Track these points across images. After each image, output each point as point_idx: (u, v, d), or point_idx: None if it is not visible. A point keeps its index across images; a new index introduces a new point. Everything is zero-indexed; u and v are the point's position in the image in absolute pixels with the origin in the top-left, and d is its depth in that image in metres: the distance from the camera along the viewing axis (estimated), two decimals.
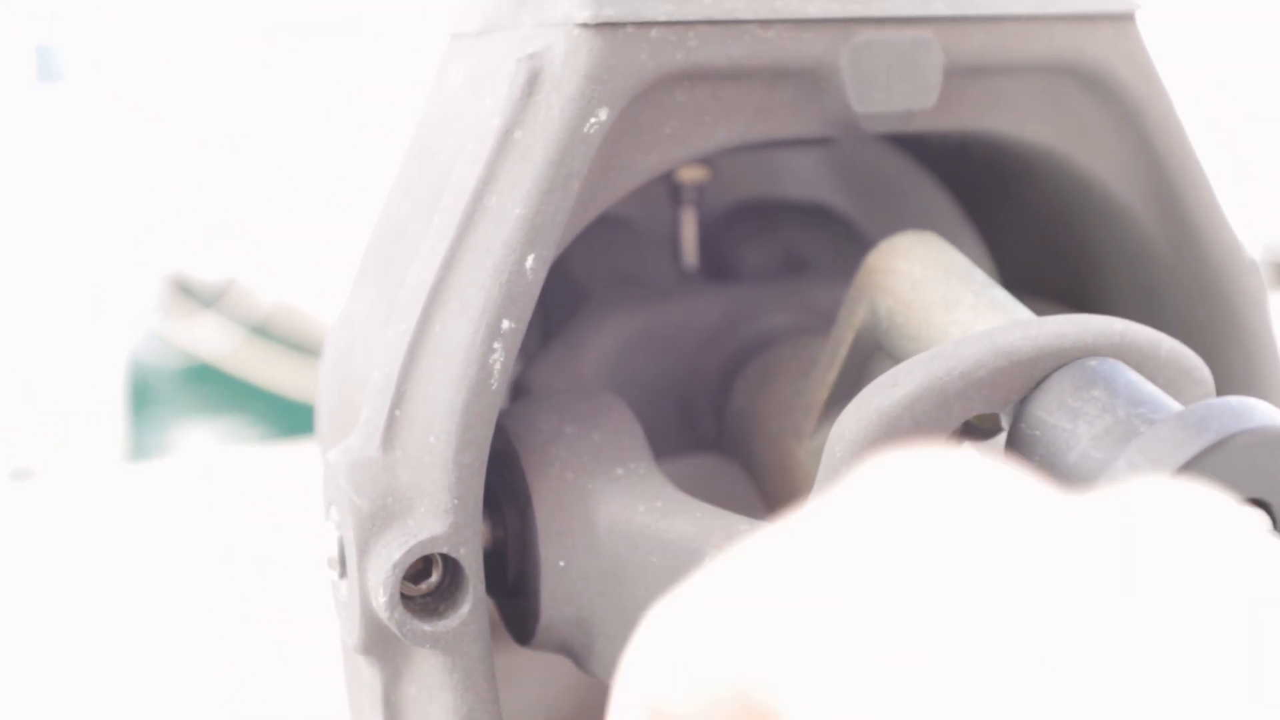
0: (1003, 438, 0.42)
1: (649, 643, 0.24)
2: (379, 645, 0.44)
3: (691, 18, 0.45)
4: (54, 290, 1.55)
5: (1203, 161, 0.53)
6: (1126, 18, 0.51)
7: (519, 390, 0.52)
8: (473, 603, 0.43)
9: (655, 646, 0.24)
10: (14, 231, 1.52)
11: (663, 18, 0.45)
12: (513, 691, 0.58)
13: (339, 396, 0.51)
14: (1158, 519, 0.22)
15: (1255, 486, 0.36)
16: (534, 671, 0.60)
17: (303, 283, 1.75)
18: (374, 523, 0.43)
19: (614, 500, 0.45)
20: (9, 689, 0.90)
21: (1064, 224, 0.56)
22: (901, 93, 0.48)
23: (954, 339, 0.42)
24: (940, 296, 0.45)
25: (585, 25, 0.44)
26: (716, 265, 0.62)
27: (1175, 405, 0.38)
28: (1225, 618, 0.20)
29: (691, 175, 0.59)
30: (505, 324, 0.43)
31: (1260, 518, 0.37)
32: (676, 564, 0.43)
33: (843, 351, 0.48)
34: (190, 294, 1.75)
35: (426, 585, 0.43)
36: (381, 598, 0.42)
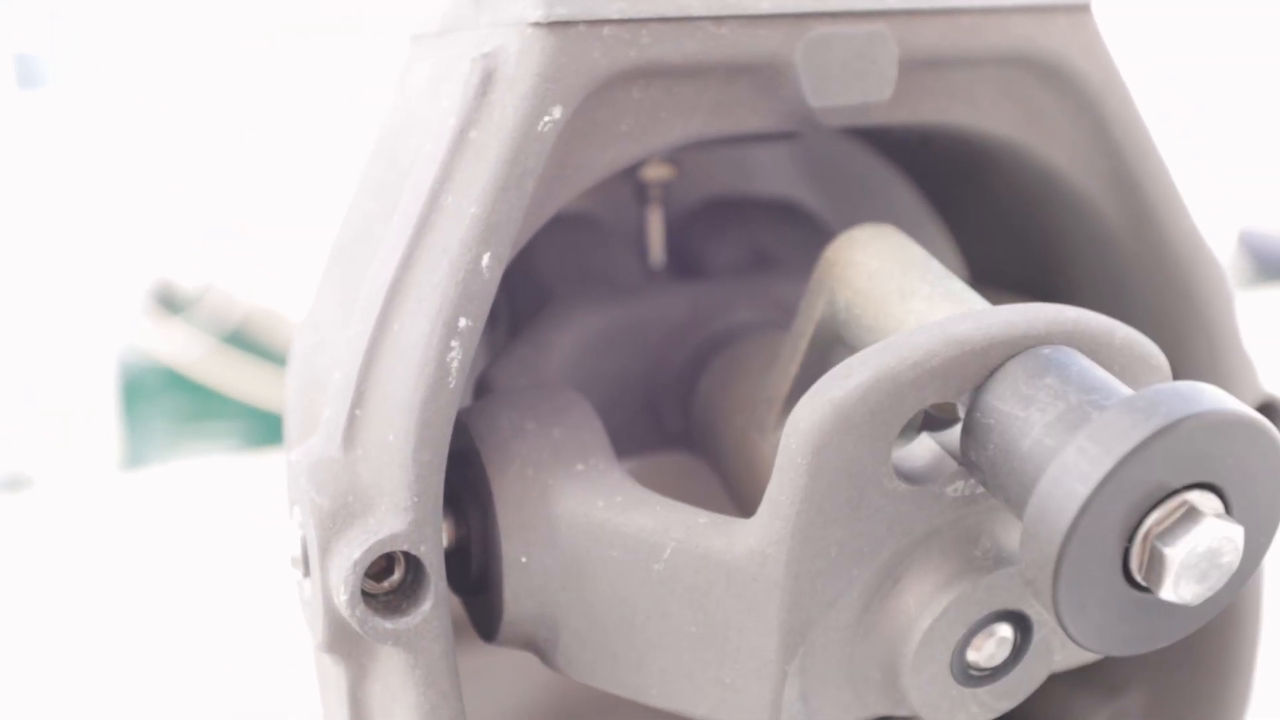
0: (959, 428, 0.42)
1: None
2: (343, 643, 0.44)
3: (644, 15, 0.45)
4: (41, 297, 1.56)
5: (1161, 151, 0.54)
6: (1082, 9, 0.52)
7: (482, 388, 0.52)
8: (434, 600, 0.43)
9: None
10: (1, 242, 1.52)
11: (615, 15, 0.45)
12: (478, 689, 0.58)
13: (303, 398, 0.51)
14: None
15: (1205, 470, 0.37)
16: (501, 670, 0.60)
17: (288, 287, 1.75)
18: (335, 521, 0.43)
19: (574, 496, 0.45)
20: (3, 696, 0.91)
21: (1027, 215, 0.57)
22: (857, 86, 0.48)
23: (908, 329, 0.42)
24: (896, 288, 0.46)
25: (538, 24, 0.44)
26: (684, 263, 0.62)
27: (1128, 391, 0.39)
28: None
29: (657, 173, 0.59)
30: (462, 322, 0.43)
31: (1212, 502, 0.37)
32: (636, 558, 0.44)
33: (803, 345, 0.48)
34: (170, 300, 1.75)
35: (388, 583, 0.43)
36: (343, 595, 0.42)
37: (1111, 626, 0.38)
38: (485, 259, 0.43)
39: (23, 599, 1.05)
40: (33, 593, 1.06)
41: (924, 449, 0.43)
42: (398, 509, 0.43)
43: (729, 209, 0.62)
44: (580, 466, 0.46)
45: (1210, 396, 0.36)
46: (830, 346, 0.48)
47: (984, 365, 0.40)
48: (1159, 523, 0.36)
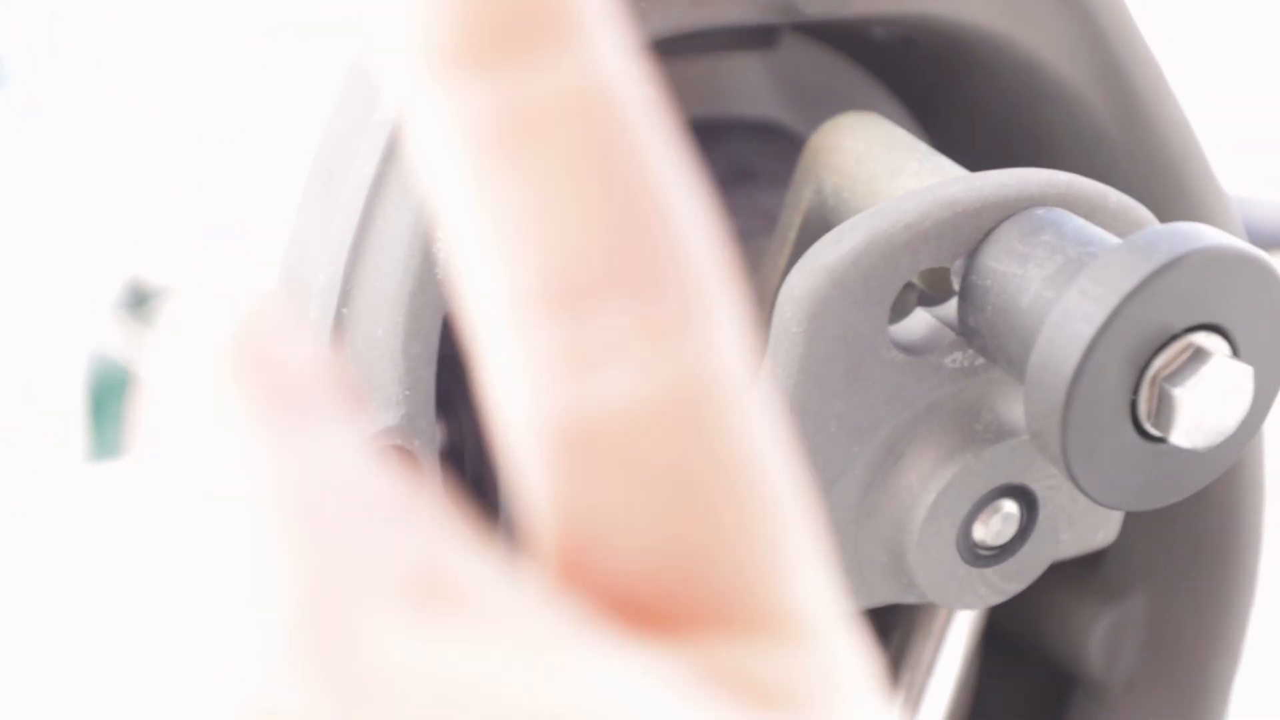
0: (954, 301, 0.41)
1: None
2: None
3: None
4: (7, 295, 1.55)
5: (1149, 40, 0.53)
6: None
7: None
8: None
9: None
10: None
11: None
12: None
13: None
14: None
15: (1208, 310, 0.36)
16: None
17: (259, 285, 1.74)
18: None
19: None
20: None
21: (1013, 113, 0.56)
22: None
23: None
24: (885, 167, 0.45)
25: None
26: None
27: None
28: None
29: None
30: None
31: (1218, 343, 0.37)
32: None
33: (791, 235, 0.47)
34: (139, 299, 1.74)
35: None
36: None
37: (1123, 478, 0.37)
38: None
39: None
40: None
41: (921, 321, 0.42)
42: (389, 403, 0.42)
43: (709, 129, 0.62)
44: None
45: (1212, 234, 0.36)
46: (819, 236, 0.48)
47: (977, 227, 0.40)
48: (1166, 365, 0.36)
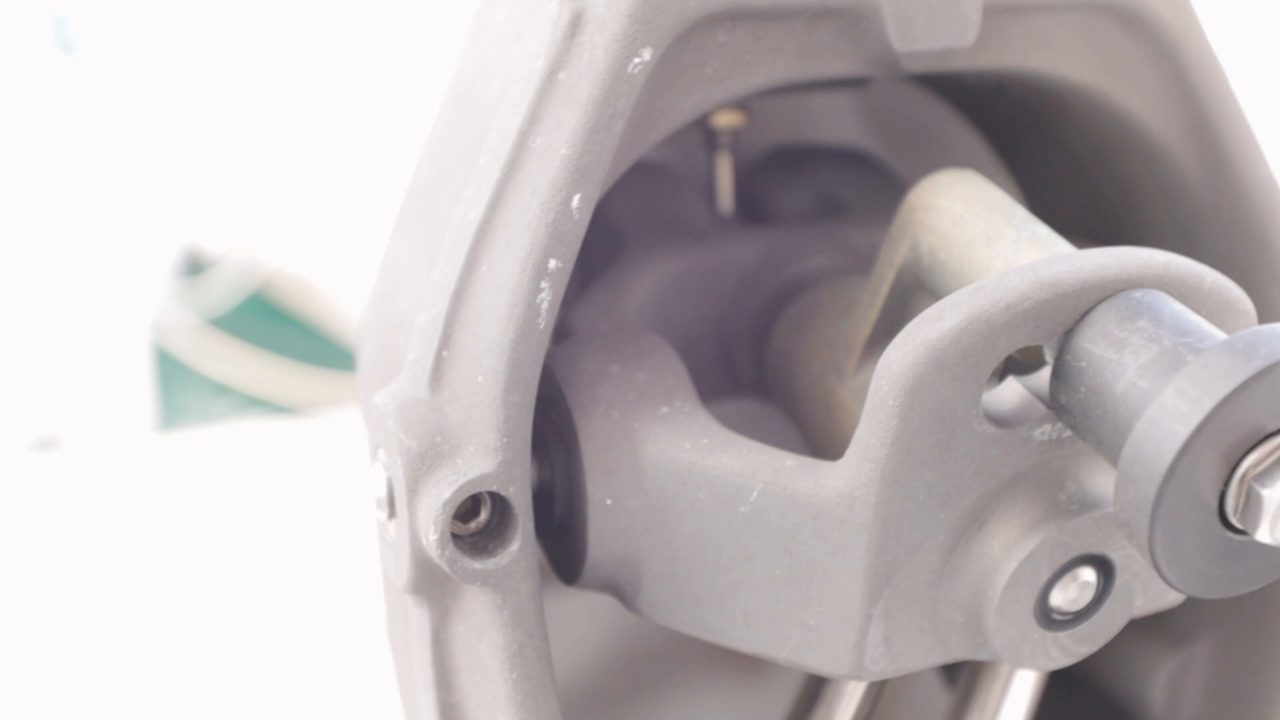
0: (1047, 371, 0.42)
1: None
2: (428, 584, 0.45)
3: None
4: (73, 262, 1.56)
5: (1238, 98, 0.54)
6: None
7: (562, 334, 0.52)
8: (522, 540, 0.43)
9: None
10: (34, 204, 1.52)
11: None
12: (558, 632, 0.59)
13: (382, 341, 0.51)
14: None
15: None
16: (579, 614, 0.61)
17: (308, 252, 1.75)
18: (423, 462, 0.43)
19: (660, 438, 0.45)
20: (35, 661, 0.91)
21: (1100, 164, 0.56)
22: (941, 31, 0.48)
23: (997, 273, 0.42)
24: (982, 232, 0.46)
25: None
26: (752, 209, 0.62)
27: (1221, 334, 0.39)
28: None
29: (727, 120, 0.59)
30: (552, 263, 0.43)
31: None
32: (723, 500, 0.44)
33: (884, 289, 0.48)
34: (196, 263, 1.75)
35: (475, 524, 0.44)
36: (432, 536, 0.43)
37: (1206, 569, 0.38)
38: (575, 200, 0.43)
39: (52, 559, 1.05)
40: (62, 553, 1.06)
41: (1012, 392, 0.43)
42: (486, 450, 0.43)
43: (796, 157, 0.62)
44: (665, 409, 0.46)
45: None
46: (911, 292, 0.48)
47: (1075, 308, 0.40)
48: (1256, 464, 0.36)
